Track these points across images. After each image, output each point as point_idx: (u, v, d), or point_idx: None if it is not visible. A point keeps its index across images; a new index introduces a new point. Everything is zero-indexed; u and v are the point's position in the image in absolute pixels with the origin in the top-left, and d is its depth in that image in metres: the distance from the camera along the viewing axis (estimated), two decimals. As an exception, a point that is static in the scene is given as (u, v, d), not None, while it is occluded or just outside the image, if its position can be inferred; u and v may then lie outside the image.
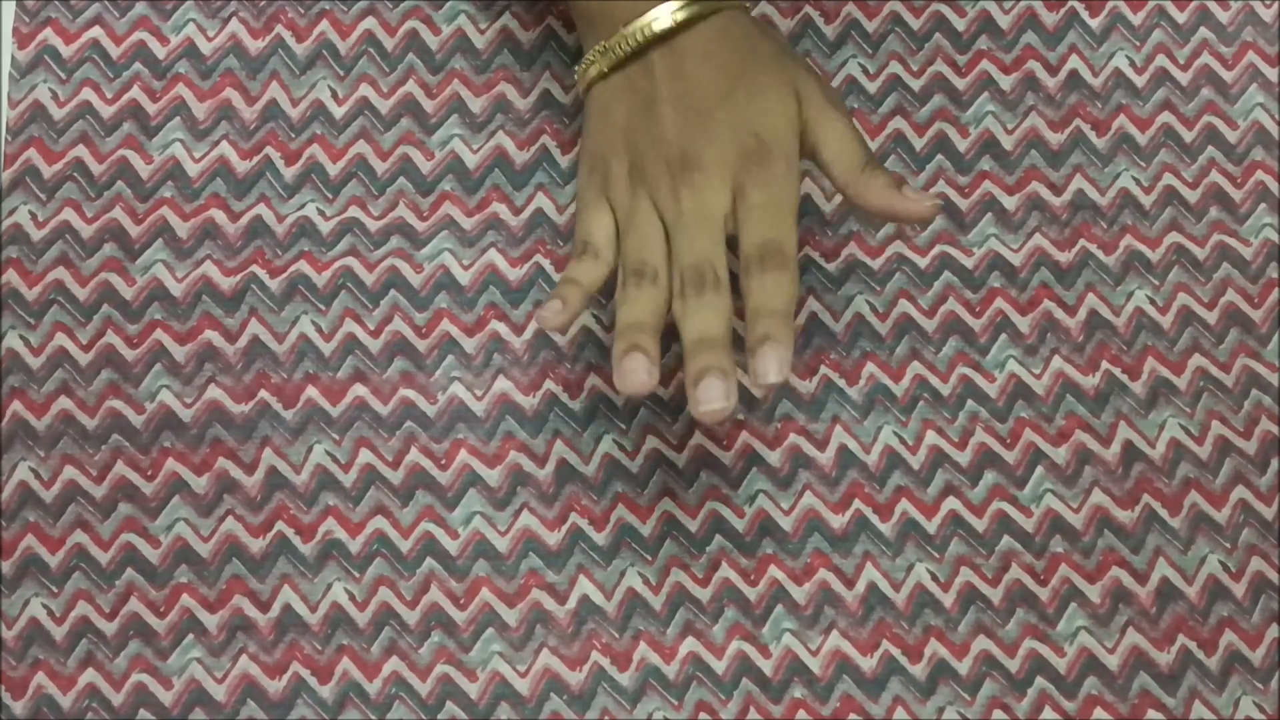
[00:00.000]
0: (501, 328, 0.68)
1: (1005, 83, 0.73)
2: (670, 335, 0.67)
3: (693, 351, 0.55)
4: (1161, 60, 0.74)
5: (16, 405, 0.66)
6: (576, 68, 0.63)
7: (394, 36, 0.72)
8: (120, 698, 0.62)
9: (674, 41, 0.59)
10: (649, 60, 0.60)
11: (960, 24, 0.74)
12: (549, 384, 0.67)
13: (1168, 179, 0.72)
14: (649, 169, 0.59)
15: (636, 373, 0.56)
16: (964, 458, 0.67)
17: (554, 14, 0.73)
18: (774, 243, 0.57)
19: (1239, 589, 0.66)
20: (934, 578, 0.66)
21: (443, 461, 0.66)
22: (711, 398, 0.54)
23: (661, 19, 0.59)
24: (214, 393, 0.66)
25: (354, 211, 0.69)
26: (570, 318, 0.57)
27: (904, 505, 0.67)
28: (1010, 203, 0.71)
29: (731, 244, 0.60)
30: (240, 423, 0.66)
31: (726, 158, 0.58)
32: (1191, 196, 0.72)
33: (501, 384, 0.67)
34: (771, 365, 0.54)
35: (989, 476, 0.67)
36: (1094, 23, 0.75)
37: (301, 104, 0.71)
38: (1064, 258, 0.71)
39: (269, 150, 0.70)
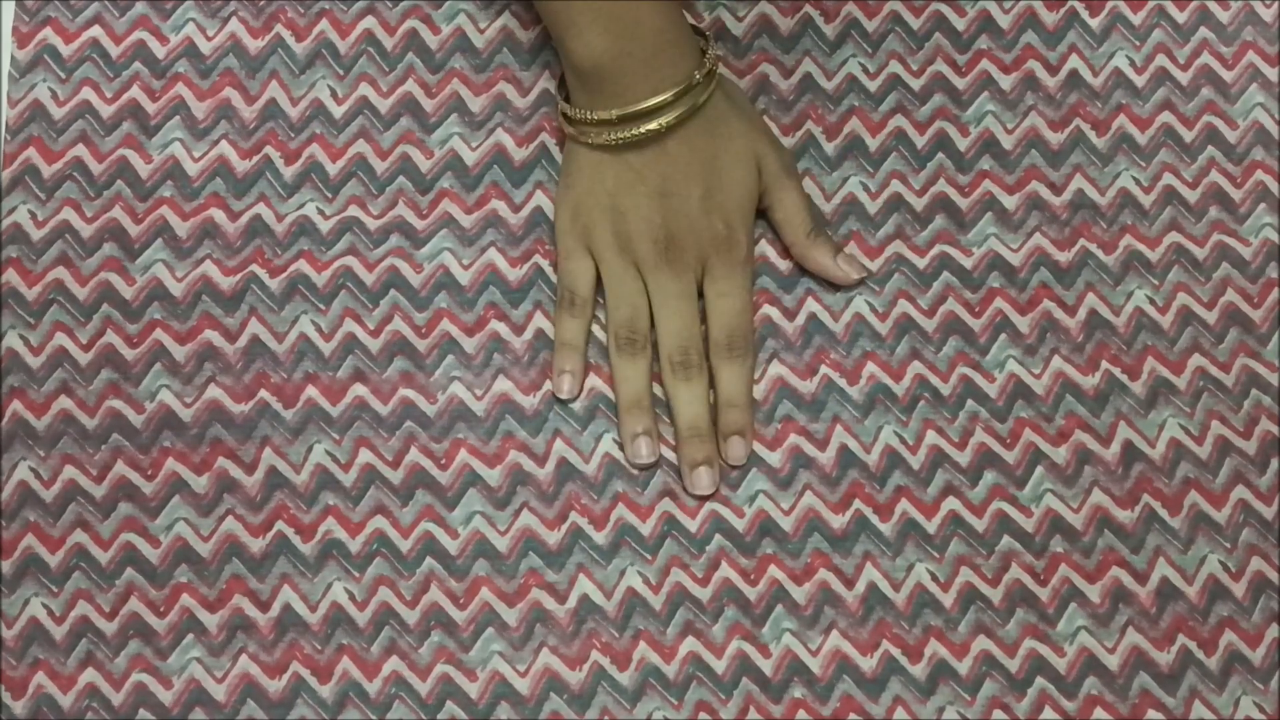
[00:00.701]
0: (501, 327, 0.68)
1: (1005, 82, 0.73)
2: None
3: (686, 439, 0.66)
4: (1161, 60, 0.74)
5: (16, 405, 0.65)
6: (571, 111, 0.67)
7: (393, 36, 0.72)
8: (120, 697, 0.62)
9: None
10: (641, 143, 0.66)
11: (960, 23, 0.74)
12: (549, 383, 0.67)
13: (1167, 179, 0.72)
14: (637, 246, 0.67)
15: (646, 457, 0.66)
16: (964, 458, 0.67)
17: (554, 13, 0.73)
18: (738, 332, 0.67)
19: (1239, 589, 0.66)
20: (934, 578, 0.66)
21: (443, 461, 0.66)
22: (703, 486, 0.66)
23: (652, 125, 0.65)
24: (214, 392, 0.66)
25: (353, 210, 0.69)
26: (582, 381, 0.67)
27: (904, 505, 0.67)
28: (1010, 202, 0.71)
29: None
30: (240, 422, 0.66)
31: (701, 242, 0.67)
32: (1191, 196, 0.72)
33: (501, 384, 0.67)
34: (740, 452, 0.66)
35: (989, 476, 0.67)
36: (1094, 22, 0.74)
37: (301, 103, 0.71)
38: (1064, 257, 0.71)
39: (268, 149, 0.70)
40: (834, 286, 0.69)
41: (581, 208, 0.68)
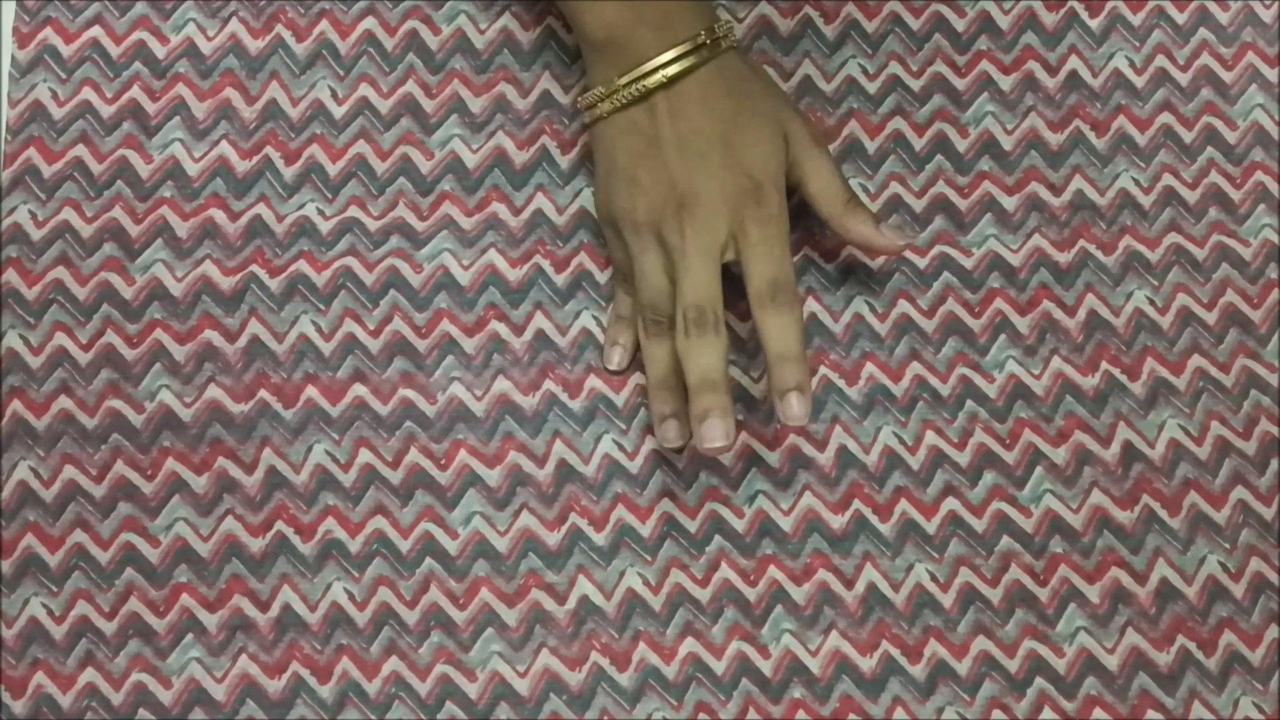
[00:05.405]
0: (501, 328, 0.68)
1: (1005, 83, 0.73)
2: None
3: (696, 392, 0.61)
4: (1161, 61, 0.74)
5: (16, 405, 0.66)
6: (581, 98, 0.66)
7: (394, 36, 0.72)
8: (120, 697, 0.62)
9: (674, 86, 0.63)
10: (651, 102, 0.64)
11: (960, 24, 0.74)
12: (549, 384, 0.68)
13: (1167, 179, 0.72)
14: (656, 212, 0.63)
15: (675, 440, 0.64)
16: (963, 458, 0.67)
17: (554, 14, 0.73)
18: (781, 280, 0.62)
19: (1238, 589, 0.66)
20: (933, 578, 0.66)
21: (442, 461, 0.66)
22: (714, 436, 0.61)
23: (656, 76, 0.63)
24: (214, 392, 0.66)
25: (354, 211, 0.69)
26: (631, 354, 0.67)
27: (903, 505, 0.67)
28: (1010, 203, 0.71)
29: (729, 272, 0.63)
30: (240, 422, 0.66)
31: (726, 195, 0.63)
32: (1191, 197, 0.72)
33: (501, 384, 0.67)
34: (799, 410, 0.61)
35: (988, 477, 0.67)
36: (1094, 23, 0.75)
37: (301, 104, 0.71)
38: (1063, 258, 0.71)
39: (269, 150, 0.70)
40: (834, 285, 0.69)
41: (602, 190, 0.66)
